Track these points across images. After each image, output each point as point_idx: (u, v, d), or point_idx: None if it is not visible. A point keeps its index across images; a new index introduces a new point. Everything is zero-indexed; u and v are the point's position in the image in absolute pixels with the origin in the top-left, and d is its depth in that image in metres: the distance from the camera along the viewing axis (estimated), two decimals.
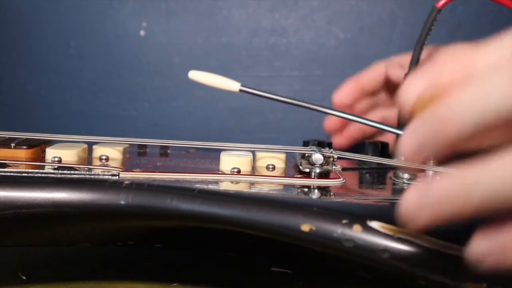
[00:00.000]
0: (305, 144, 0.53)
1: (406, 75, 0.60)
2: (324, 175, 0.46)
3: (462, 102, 0.26)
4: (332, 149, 0.47)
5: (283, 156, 0.49)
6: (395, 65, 0.62)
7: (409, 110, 0.28)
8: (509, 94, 0.25)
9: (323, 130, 0.66)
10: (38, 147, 0.48)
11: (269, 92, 0.52)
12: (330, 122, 0.66)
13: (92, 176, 0.42)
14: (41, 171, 0.43)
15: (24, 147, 0.47)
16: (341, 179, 0.46)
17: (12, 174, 0.42)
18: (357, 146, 0.58)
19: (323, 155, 0.46)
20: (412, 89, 0.28)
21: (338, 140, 0.65)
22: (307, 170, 0.46)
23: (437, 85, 0.27)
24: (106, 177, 0.42)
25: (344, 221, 0.36)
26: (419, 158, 0.28)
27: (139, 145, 0.52)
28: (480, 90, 0.26)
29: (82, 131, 0.52)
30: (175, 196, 0.39)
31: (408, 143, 0.28)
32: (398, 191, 0.46)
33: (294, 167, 0.49)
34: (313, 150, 0.46)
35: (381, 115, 0.66)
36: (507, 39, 0.28)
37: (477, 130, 0.26)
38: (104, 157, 0.48)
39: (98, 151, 0.48)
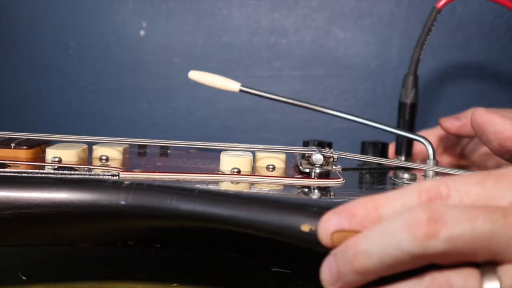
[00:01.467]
0: (305, 144, 0.53)
1: (406, 75, 0.60)
2: (324, 175, 0.46)
3: (369, 241, 0.31)
4: (332, 149, 0.47)
5: (283, 156, 0.49)
6: (449, 118, 0.62)
7: (326, 243, 0.33)
8: (404, 238, 0.30)
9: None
10: (38, 147, 0.48)
11: (269, 92, 0.52)
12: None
13: (92, 176, 0.42)
14: (41, 171, 0.43)
15: (24, 147, 0.47)
16: (341, 179, 0.46)
17: (12, 174, 0.42)
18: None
19: (323, 155, 0.46)
20: (328, 226, 0.33)
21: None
22: (307, 170, 0.46)
23: (351, 223, 0.32)
24: (106, 177, 0.42)
25: None
26: (339, 285, 0.32)
27: (139, 145, 0.52)
28: (382, 233, 0.31)
29: (82, 131, 0.52)
30: (175, 196, 0.39)
31: (328, 271, 0.32)
32: None
33: (294, 167, 0.49)
34: (313, 150, 0.46)
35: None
36: (412, 189, 0.32)
37: (382, 265, 0.31)
38: (104, 157, 0.48)
39: (98, 151, 0.48)
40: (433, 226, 0.30)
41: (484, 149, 0.64)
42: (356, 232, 0.32)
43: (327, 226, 0.33)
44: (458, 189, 0.32)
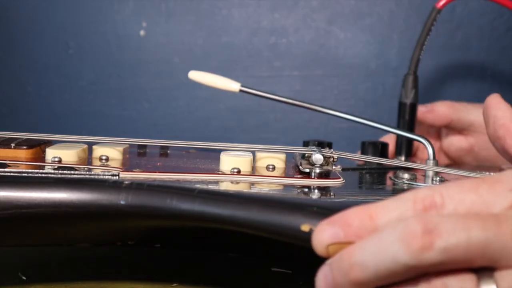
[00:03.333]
0: (305, 144, 0.53)
1: (406, 75, 0.60)
2: (324, 175, 0.46)
3: (364, 252, 0.31)
4: (332, 149, 0.47)
5: (283, 156, 0.49)
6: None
7: (322, 254, 0.32)
8: (400, 251, 0.30)
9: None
10: (38, 147, 0.48)
11: (269, 92, 0.52)
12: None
13: (92, 176, 0.42)
14: (41, 171, 0.43)
15: (24, 147, 0.47)
16: (341, 179, 0.46)
17: (12, 174, 0.42)
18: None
19: (323, 155, 0.46)
20: (323, 237, 0.32)
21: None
22: (307, 170, 0.46)
23: (347, 234, 0.32)
24: (106, 177, 0.42)
25: None
26: None
27: (139, 145, 0.52)
28: (378, 245, 0.30)
29: (82, 131, 0.52)
30: (175, 196, 0.39)
31: (324, 280, 0.32)
32: (398, 191, 0.46)
33: (294, 167, 0.49)
34: (313, 150, 0.46)
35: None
36: (406, 198, 0.32)
37: (378, 276, 0.30)
38: (104, 157, 0.48)
39: (98, 151, 0.48)
40: (428, 238, 0.29)
41: (460, 144, 0.65)
42: (351, 242, 0.32)
43: (322, 236, 0.32)
44: (452, 197, 0.32)
